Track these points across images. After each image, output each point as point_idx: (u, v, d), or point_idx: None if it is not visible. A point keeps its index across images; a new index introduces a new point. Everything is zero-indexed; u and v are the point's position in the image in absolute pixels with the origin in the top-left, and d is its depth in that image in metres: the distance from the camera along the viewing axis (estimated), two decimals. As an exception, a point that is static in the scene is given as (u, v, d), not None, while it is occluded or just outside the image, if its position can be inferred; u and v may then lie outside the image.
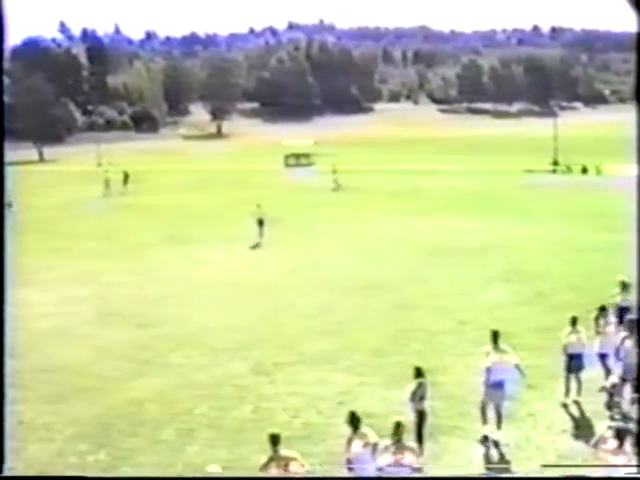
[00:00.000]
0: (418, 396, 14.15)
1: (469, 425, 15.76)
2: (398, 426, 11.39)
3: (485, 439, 15.07)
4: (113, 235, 41.59)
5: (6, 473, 9.37)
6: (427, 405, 14.34)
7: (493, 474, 14.18)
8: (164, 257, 35.02)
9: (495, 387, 15.09)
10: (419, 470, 11.32)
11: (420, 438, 13.91)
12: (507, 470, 14.00)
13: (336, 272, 30.59)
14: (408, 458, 11.21)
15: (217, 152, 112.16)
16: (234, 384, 18.76)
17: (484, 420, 15.25)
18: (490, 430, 15.14)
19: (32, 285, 28.79)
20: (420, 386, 14.25)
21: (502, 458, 14.53)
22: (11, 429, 16.34)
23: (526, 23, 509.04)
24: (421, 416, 14.06)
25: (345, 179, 61.49)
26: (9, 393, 18.38)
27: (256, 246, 37.62)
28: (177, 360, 20.71)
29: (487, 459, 14.54)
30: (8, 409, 17.46)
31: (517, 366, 15.15)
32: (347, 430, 12.06)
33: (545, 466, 13.70)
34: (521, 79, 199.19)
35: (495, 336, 15.40)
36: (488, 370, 15.13)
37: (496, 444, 14.90)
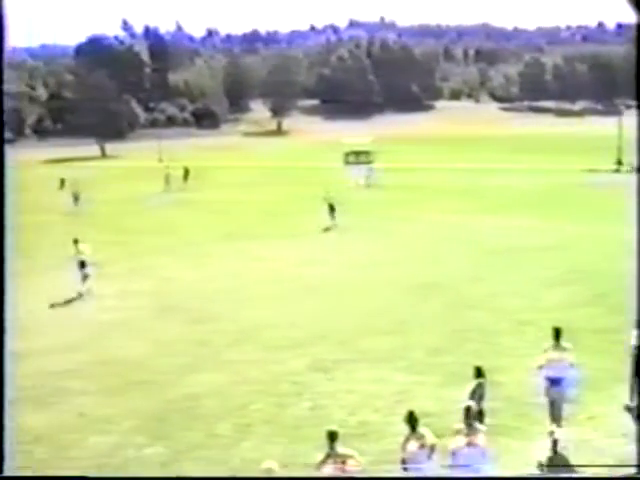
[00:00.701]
0: (477, 396, 14.03)
1: (527, 426, 15.56)
2: (468, 410, 11.70)
3: (547, 438, 14.82)
4: (173, 230, 41.96)
5: (7, 473, 9.44)
6: (485, 405, 14.19)
7: (550, 475, 13.99)
8: (223, 253, 35.20)
9: (553, 385, 14.84)
10: (489, 451, 11.57)
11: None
12: (564, 472, 13.79)
13: (395, 270, 30.43)
14: (480, 439, 11.49)
15: (277, 149, 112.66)
16: (292, 380, 18.76)
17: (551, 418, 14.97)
18: (550, 430, 14.89)
19: (92, 279, 29.15)
20: (479, 386, 14.17)
21: (560, 460, 14.30)
22: (71, 421, 16.66)
23: (591, 19, 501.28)
24: (479, 416, 13.90)
25: (405, 177, 61.22)
26: (72, 385, 18.73)
27: (329, 230, 40.19)
28: (234, 356, 20.77)
29: (545, 460, 14.33)
30: (68, 401, 17.78)
31: (573, 365, 14.86)
32: (403, 429, 11.96)
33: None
34: (585, 77, 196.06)
35: (557, 333, 15.15)
36: (544, 367, 14.89)
37: (554, 445, 14.65)
